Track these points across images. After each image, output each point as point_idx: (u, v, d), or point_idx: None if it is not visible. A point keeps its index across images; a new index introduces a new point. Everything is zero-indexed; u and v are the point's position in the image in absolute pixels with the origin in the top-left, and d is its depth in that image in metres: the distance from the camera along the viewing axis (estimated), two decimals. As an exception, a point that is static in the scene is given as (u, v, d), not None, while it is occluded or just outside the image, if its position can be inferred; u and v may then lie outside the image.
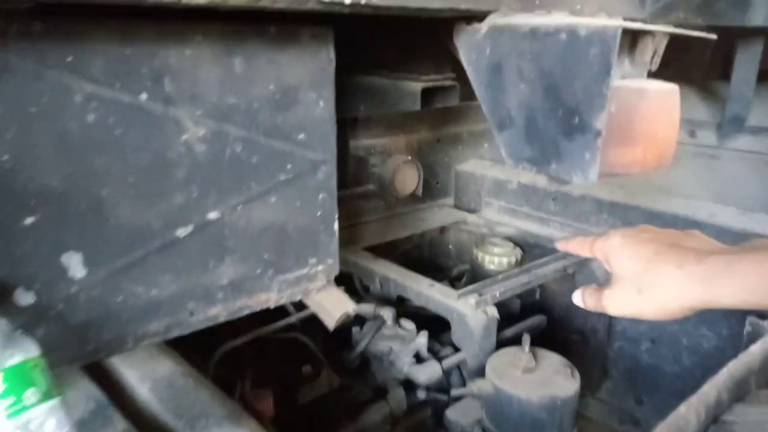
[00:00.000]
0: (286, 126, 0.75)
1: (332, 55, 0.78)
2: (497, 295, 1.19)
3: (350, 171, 1.62)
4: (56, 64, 0.58)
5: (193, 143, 0.68)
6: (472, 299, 1.14)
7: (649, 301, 0.67)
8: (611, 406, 1.53)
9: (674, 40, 0.81)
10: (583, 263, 1.35)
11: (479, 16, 0.75)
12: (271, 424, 1.03)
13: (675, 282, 0.64)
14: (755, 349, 0.92)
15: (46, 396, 0.53)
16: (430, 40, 1.02)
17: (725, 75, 1.58)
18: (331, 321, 0.85)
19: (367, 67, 1.25)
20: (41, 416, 0.52)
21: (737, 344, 1.19)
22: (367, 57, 1.24)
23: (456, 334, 1.15)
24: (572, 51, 0.68)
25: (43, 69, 0.57)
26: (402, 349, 1.14)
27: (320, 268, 0.83)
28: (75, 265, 0.62)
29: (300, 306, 1.11)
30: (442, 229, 1.78)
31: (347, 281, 1.39)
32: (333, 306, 0.86)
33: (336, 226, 0.84)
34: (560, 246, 0.88)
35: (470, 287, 1.18)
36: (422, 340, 1.16)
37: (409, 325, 1.20)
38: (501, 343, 1.14)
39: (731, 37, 1.49)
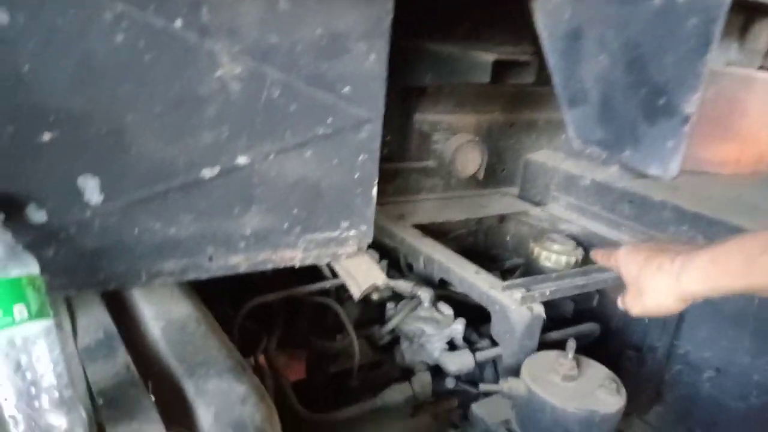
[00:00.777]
0: (330, 75, 0.70)
1: (390, 5, 0.72)
2: (547, 293, 1.09)
3: (411, 145, 1.56)
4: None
5: (228, 80, 0.64)
6: (518, 293, 1.06)
7: (648, 300, 0.78)
8: (659, 433, 1.40)
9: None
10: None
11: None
12: (290, 385, 1.00)
13: (659, 281, 0.75)
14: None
15: (38, 315, 0.51)
16: (509, 9, 0.92)
17: None
18: (357, 290, 0.80)
19: (437, 34, 1.17)
20: (30, 335, 0.50)
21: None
22: (439, 23, 1.16)
23: (495, 328, 1.07)
24: (666, 19, 0.58)
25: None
26: (435, 333, 1.07)
27: (352, 233, 0.78)
28: (91, 189, 0.60)
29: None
30: (502, 218, 1.68)
31: (393, 257, 1.34)
32: (362, 275, 0.81)
33: (375, 191, 0.79)
34: (593, 255, 0.99)
35: (518, 280, 1.09)
36: (458, 327, 1.09)
37: (447, 309, 1.13)
38: (544, 346, 1.05)
39: None
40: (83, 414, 0.53)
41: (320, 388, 1.18)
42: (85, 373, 0.61)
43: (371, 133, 0.75)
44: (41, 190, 0.58)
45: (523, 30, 1.07)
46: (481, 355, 1.07)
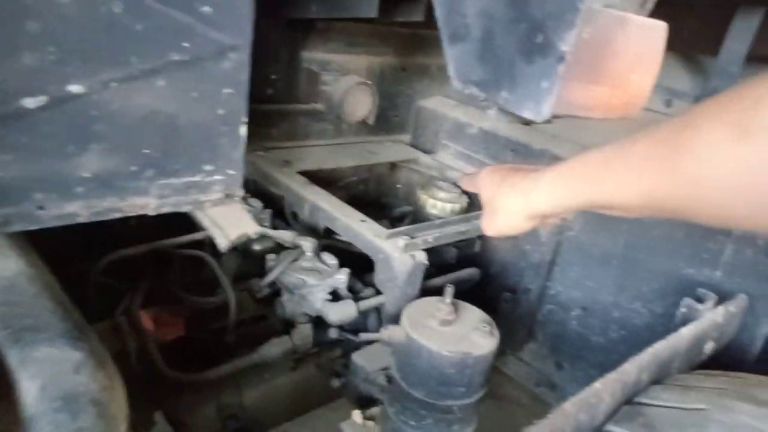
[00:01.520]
0: (184, -9, 0.59)
1: None
2: (430, 240, 1.09)
3: (299, 85, 1.46)
4: None
5: (52, -12, 0.52)
6: (401, 241, 1.04)
7: (500, 219, 0.78)
8: (531, 368, 1.50)
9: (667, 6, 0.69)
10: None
11: None
12: (156, 346, 0.92)
13: (512, 198, 0.74)
14: (685, 332, 0.86)
15: None
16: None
17: (712, 51, 1.48)
18: (223, 240, 0.73)
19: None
20: None
21: (669, 324, 1.14)
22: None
23: (379, 276, 1.06)
24: (549, -50, 0.55)
25: None
26: (318, 283, 1.03)
27: (217, 177, 0.70)
28: None
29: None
30: (393, 166, 1.66)
31: (278, 206, 1.27)
32: (230, 224, 0.73)
33: (244, 131, 0.70)
34: (459, 180, 0.99)
35: (401, 228, 1.08)
36: (342, 276, 1.06)
37: (330, 259, 1.09)
38: (428, 292, 1.06)
39: (728, 12, 1.38)
40: None
41: (199, 346, 1.10)
42: None
43: (237, 63, 0.66)
44: None
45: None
46: (364, 304, 1.05)
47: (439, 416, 0.91)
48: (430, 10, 1.07)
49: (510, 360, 1.52)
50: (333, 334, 1.07)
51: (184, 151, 0.66)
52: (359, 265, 1.13)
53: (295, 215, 1.27)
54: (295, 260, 1.05)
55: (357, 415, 0.91)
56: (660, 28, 0.64)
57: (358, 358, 0.96)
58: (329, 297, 1.05)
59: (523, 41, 0.57)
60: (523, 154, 1.45)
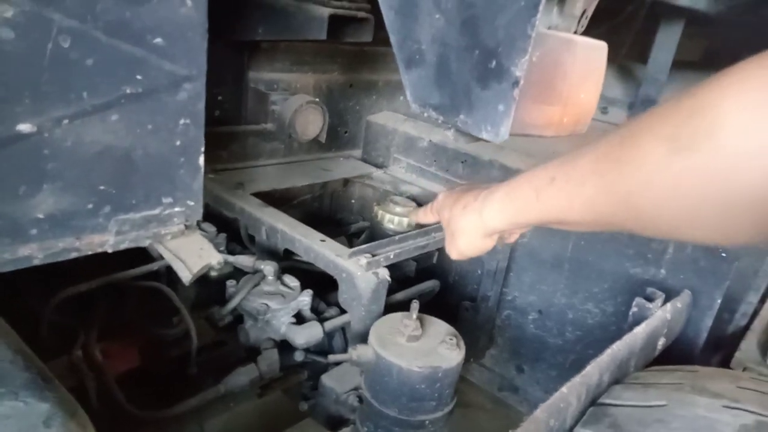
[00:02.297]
0: (137, 24, 0.58)
1: (208, -58, 0.62)
2: (391, 256, 1.10)
3: (247, 106, 1.45)
4: None
5: (-5, 25, 0.50)
6: (363, 259, 1.05)
7: (460, 241, 0.78)
8: (493, 373, 1.53)
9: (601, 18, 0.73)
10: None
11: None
12: (115, 384, 0.88)
13: (466, 219, 0.75)
14: (639, 331, 0.91)
15: None
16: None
17: (642, 58, 1.58)
18: (186, 274, 0.71)
19: (270, -17, 1.07)
20: None
21: (620, 322, 1.20)
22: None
23: (343, 295, 1.06)
24: (498, -20, 0.57)
25: None
26: (281, 307, 1.02)
27: (177, 209, 0.69)
28: None
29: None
30: (346, 182, 1.66)
31: (233, 229, 1.24)
32: (192, 256, 0.72)
33: (201, 160, 0.69)
34: (413, 218, 1.02)
35: (363, 247, 1.08)
36: (305, 299, 1.05)
37: (292, 282, 1.08)
38: (391, 307, 1.07)
39: (654, 20, 1.48)
40: None
41: (160, 378, 1.07)
42: None
43: (193, 93, 0.65)
44: None
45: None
46: (329, 325, 1.05)
47: (412, 432, 0.91)
48: (377, 30, 1.09)
49: (472, 367, 1.55)
50: (299, 357, 1.06)
51: (141, 184, 0.65)
52: (319, 284, 1.12)
53: (252, 238, 1.25)
54: (256, 285, 1.04)
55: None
56: (602, 48, 0.68)
57: (327, 379, 0.96)
58: (293, 320, 1.04)
59: (477, 67, 0.59)
60: (472, 165, 1.49)
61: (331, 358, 0.99)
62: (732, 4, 1.22)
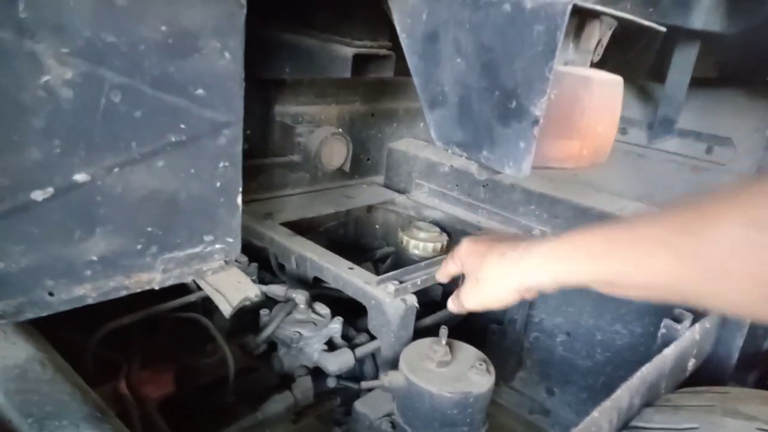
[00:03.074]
0: (180, 77, 0.63)
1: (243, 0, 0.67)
2: (419, 282, 1.13)
3: (274, 139, 1.50)
4: None
5: (57, 87, 0.55)
6: (391, 286, 1.08)
7: (485, 289, 0.77)
8: (523, 396, 1.53)
9: (616, 38, 0.75)
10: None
11: (416, -25, 0.66)
12: (156, 407, 0.92)
13: (499, 268, 0.74)
14: (668, 353, 0.91)
15: None
16: (366, 1, 0.91)
17: (660, 78, 1.59)
18: (227, 307, 0.75)
19: (295, 26, 1.13)
20: None
21: (649, 343, 1.20)
22: (297, 14, 1.12)
23: (372, 322, 1.09)
24: (515, 25, 0.61)
25: None
26: (313, 335, 1.05)
27: (217, 246, 0.73)
28: None
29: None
30: (370, 209, 1.70)
31: (263, 258, 1.29)
32: (231, 290, 0.76)
33: (239, 199, 0.74)
34: (437, 277, 1.00)
35: (390, 274, 1.11)
36: (336, 326, 1.08)
37: (323, 309, 1.11)
38: (419, 332, 1.09)
39: (670, 41, 1.49)
40: None
41: (195, 405, 1.10)
42: None
43: (231, 137, 0.70)
44: None
45: (381, 23, 1.08)
46: (360, 351, 1.07)
47: (445, 457, 0.93)
48: (397, 62, 1.13)
49: (502, 389, 1.55)
50: (331, 383, 1.08)
51: (185, 224, 0.69)
52: (348, 311, 1.15)
53: (281, 266, 1.29)
54: (288, 314, 1.07)
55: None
56: (618, 83, 0.71)
57: (360, 406, 0.98)
58: (325, 347, 1.07)
59: (497, 107, 0.63)
60: (494, 189, 1.52)
61: (364, 384, 1.02)
62: (747, 26, 1.23)
